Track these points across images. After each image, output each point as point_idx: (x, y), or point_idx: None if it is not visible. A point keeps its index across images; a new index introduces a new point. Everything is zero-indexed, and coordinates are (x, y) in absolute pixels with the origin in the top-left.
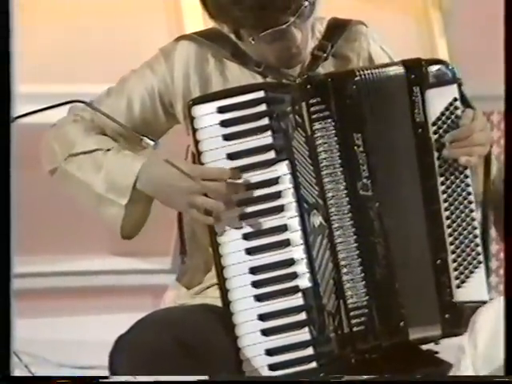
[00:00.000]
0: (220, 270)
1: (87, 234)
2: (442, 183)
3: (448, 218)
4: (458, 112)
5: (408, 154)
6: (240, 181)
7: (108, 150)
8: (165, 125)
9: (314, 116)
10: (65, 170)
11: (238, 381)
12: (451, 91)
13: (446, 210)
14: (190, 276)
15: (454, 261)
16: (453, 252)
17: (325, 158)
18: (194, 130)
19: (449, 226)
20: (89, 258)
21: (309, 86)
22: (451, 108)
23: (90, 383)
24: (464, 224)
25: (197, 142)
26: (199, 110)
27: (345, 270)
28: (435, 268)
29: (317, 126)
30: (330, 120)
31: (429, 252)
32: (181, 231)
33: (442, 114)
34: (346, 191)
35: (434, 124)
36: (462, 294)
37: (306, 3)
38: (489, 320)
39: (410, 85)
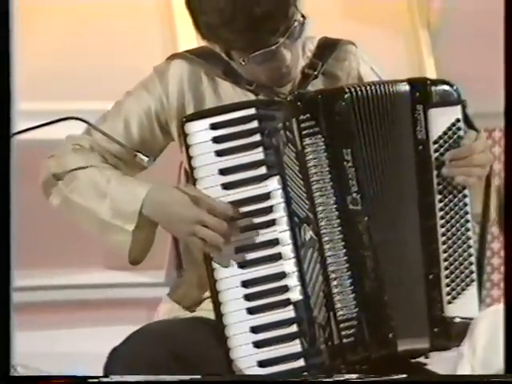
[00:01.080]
0: (213, 283)
1: (84, 249)
2: (440, 201)
3: (443, 234)
4: (461, 132)
5: (407, 169)
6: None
7: (110, 176)
8: (162, 143)
9: (304, 132)
10: (69, 199)
11: (235, 381)
12: (455, 112)
13: (442, 226)
14: (183, 290)
15: (447, 277)
16: (446, 268)
17: (315, 173)
18: (187, 146)
19: (444, 243)
20: (86, 271)
21: (299, 103)
22: (454, 128)
23: (88, 383)
24: (459, 242)
25: (190, 158)
26: (192, 127)
27: (335, 283)
28: (427, 282)
29: (307, 141)
30: (319, 136)
31: (422, 266)
32: (176, 246)
33: (445, 133)
34: (335, 205)
35: (435, 142)
36: (453, 310)
37: (296, 24)
38: (488, 326)
39: (413, 102)
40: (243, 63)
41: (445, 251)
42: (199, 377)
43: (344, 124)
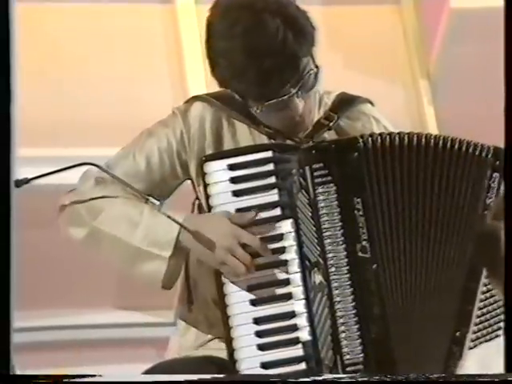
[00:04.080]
0: (225, 319)
1: (94, 289)
2: None
3: (482, 300)
4: None
5: (465, 226)
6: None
7: (143, 208)
8: (180, 180)
9: (316, 180)
10: (98, 229)
11: (238, 380)
12: None
13: (483, 293)
14: (192, 329)
15: (472, 340)
16: (474, 332)
17: (326, 221)
18: (206, 185)
19: (480, 308)
20: (96, 311)
21: (313, 151)
22: None
23: (88, 382)
24: (493, 312)
25: (208, 197)
26: (211, 167)
27: (342, 328)
28: (453, 338)
29: (319, 189)
30: (331, 185)
31: (453, 322)
32: (187, 281)
33: None
34: (345, 252)
35: None
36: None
37: (308, 76)
38: None
39: (492, 169)
40: (258, 111)
41: (478, 316)
42: (208, 377)
43: (355, 173)
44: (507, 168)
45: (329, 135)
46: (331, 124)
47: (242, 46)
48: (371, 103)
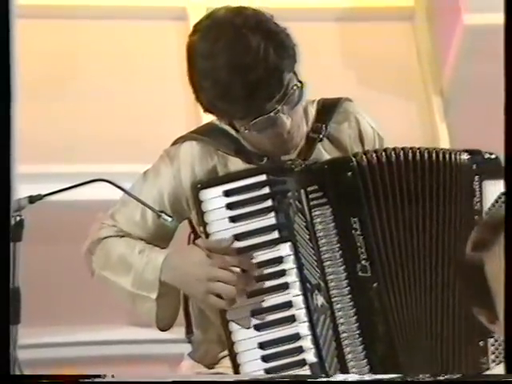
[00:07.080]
0: (230, 345)
1: (108, 306)
2: None
3: None
4: (503, 206)
5: (458, 234)
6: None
7: (134, 247)
8: (176, 225)
9: (312, 203)
10: (102, 276)
11: (242, 380)
12: (501, 185)
13: None
14: (205, 347)
15: (492, 345)
16: (496, 340)
17: (324, 243)
18: (202, 213)
19: None
20: (110, 328)
21: (307, 174)
22: (500, 201)
23: (91, 382)
24: None
25: (205, 224)
26: (206, 194)
27: (348, 349)
28: (477, 349)
29: (315, 212)
30: (327, 206)
31: (477, 332)
32: (186, 313)
33: (493, 205)
34: (345, 273)
35: (486, 213)
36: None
37: (292, 91)
38: None
39: (473, 173)
40: (246, 131)
41: None
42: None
43: (351, 193)
44: (508, 177)
45: (322, 144)
46: (321, 136)
47: (225, 63)
48: (351, 101)
